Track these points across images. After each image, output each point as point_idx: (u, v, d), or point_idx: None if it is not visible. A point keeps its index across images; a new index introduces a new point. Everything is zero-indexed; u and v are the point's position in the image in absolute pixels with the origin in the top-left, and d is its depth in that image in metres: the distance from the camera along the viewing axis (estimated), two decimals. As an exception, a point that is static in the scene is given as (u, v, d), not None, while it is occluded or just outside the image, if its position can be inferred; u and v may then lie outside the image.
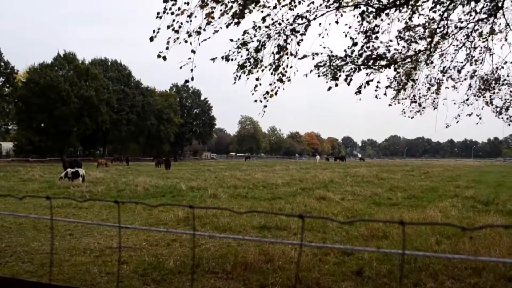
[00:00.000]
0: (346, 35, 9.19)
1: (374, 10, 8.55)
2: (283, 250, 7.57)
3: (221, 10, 7.00)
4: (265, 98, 8.55)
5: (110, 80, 77.06)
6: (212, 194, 17.24)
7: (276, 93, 8.52)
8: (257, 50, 8.14)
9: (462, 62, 9.98)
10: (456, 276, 6.43)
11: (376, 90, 9.52)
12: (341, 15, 8.50)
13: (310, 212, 13.13)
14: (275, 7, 7.63)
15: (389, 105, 10.35)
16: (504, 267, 6.49)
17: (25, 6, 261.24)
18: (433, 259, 6.99)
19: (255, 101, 8.54)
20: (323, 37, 8.85)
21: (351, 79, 9.08)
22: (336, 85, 9.07)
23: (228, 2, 6.95)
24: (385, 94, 9.93)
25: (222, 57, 8.04)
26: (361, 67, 9.06)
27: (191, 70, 7.25)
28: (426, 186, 23.50)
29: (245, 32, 7.98)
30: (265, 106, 8.69)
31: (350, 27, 9.13)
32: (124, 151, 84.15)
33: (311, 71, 9.18)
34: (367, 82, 9.30)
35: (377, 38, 9.07)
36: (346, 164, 70.30)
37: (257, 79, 8.42)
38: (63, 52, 71.63)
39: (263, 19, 7.75)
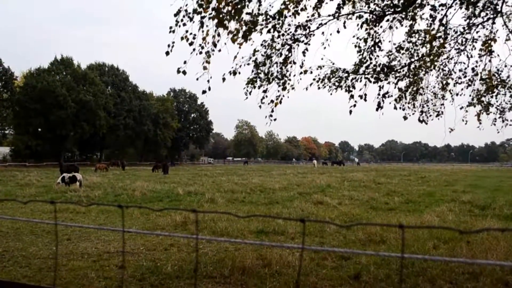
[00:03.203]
0: (355, 47, 9.30)
1: (374, 17, 8.64)
2: (281, 254, 7.58)
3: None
4: (271, 108, 8.63)
5: (106, 84, 77.05)
6: (210, 198, 17.23)
7: (280, 102, 8.60)
8: (265, 64, 8.22)
9: (463, 63, 10.05)
10: (454, 280, 6.45)
11: (383, 100, 9.58)
12: (344, 27, 8.58)
13: (307, 216, 13.14)
14: (282, 22, 7.72)
15: (405, 118, 10.22)
16: (501, 271, 6.52)
17: (21, 6, 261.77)
18: (431, 264, 7.01)
19: (265, 116, 8.65)
20: (325, 48, 8.97)
21: (362, 92, 9.17)
22: (352, 96, 9.16)
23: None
24: (397, 108, 9.99)
25: (230, 72, 8.06)
26: (365, 78, 9.14)
27: (208, 81, 7.20)
28: (423, 190, 23.55)
29: (255, 51, 8.07)
30: (271, 116, 8.74)
31: (355, 37, 9.25)
32: (122, 155, 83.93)
33: (318, 88, 9.31)
34: (384, 96, 9.33)
35: (379, 47, 9.16)
36: (343, 169, 70.32)
37: (264, 91, 8.49)
38: (60, 57, 71.66)
39: (272, 37, 7.85)
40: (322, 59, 9.22)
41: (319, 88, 9.26)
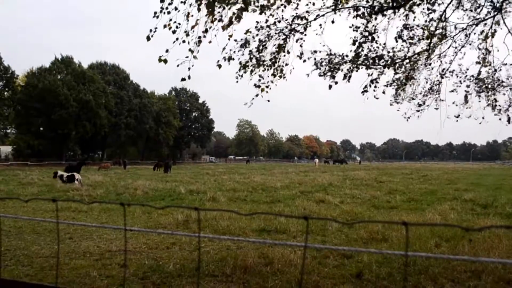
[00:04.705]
0: (352, 39, 9.28)
1: (372, 11, 8.62)
2: (283, 253, 7.57)
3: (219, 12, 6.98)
4: (257, 95, 8.62)
5: (107, 83, 77.07)
6: (211, 197, 17.21)
7: (269, 88, 8.59)
8: (259, 49, 8.20)
9: (460, 65, 10.02)
10: (456, 278, 6.44)
11: (375, 90, 9.55)
12: (340, 15, 8.57)
13: (309, 215, 13.12)
14: (276, 6, 7.69)
15: (391, 104, 10.36)
16: (503, 270, 6.51)
17: (20, 7, 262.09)
18: (433, 262, 7.00)
19: (256, 94, 8.61)
20: (318, 35, 8.94)
21: (350, 76, 9.14)
22: (336, 83, 9.11)
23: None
24: (383, 92, 9.91)
25: (225, 58, 8.02)
26: (360, 66, 9.12)
27: (189, 68, 7.15)
28: (425, 189, 23.49)
29: (247, 31, 8.03)
30: (263, 90, 8.67)
31: (351, 27, 9.22)
32: (123, 155, 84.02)
33: (316, 70, 9.27)
34: (372, 81, 9.32)
35: (374, 39, 9.13)
36: (345, 167, 70.18)
37: (260, 77, 8.48)
38: (60, 56, 71.76)
39: (266, 21, 7.82)
40: (323, 45, 9.20)
41: (316, 70, 9.22)
